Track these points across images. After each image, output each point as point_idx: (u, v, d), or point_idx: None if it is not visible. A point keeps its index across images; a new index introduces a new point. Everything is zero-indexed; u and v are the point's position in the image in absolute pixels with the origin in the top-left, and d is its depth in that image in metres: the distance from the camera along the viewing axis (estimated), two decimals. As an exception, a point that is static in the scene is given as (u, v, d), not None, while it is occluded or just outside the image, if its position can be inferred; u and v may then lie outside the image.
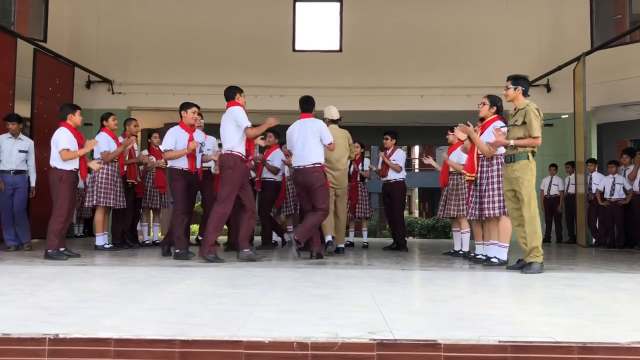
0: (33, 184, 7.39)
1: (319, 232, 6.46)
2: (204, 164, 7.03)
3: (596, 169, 10.54)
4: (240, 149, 5.98)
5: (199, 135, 6.71)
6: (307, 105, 6.60)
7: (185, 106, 6.40)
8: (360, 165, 8.99)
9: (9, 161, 7.16)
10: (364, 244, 9.19)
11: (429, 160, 7.65)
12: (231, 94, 6.13)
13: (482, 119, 6.01)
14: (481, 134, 5.83)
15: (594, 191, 10.28)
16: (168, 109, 11.47)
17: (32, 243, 7.42)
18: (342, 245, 7.27)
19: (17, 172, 7.20)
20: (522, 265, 5.24)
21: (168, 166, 6.44)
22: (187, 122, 6.35)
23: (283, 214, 8.91)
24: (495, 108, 5.91)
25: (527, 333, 2.44)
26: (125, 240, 7.84)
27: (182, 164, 6.22)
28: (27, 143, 7.37)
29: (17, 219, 7.16)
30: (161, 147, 6.93)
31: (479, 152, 5.80)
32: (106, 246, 7.32)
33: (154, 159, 8.18)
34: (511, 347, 2.24)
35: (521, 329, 2.57)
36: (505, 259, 5.64)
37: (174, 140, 6.24)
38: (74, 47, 11.55)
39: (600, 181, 10.29)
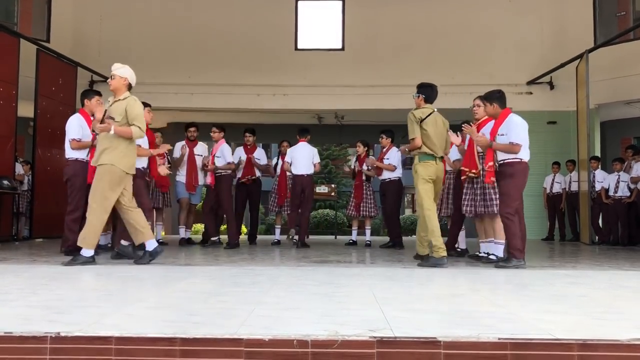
0: None
1: None
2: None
3: (599, 166, 10.51)
4: None
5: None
6: None
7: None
8: (365, 164, 9.05)
9: None
10: (367, 243, 9.18)
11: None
12: None
13: (477, 120, 6.15)
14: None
15: (597, 189, 10.25)
16: (171, 108, 11.50)
17: (38, 242, 7.40)
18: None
19: None
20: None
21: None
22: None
23: (285, 212, 9.23)
24: None
25: (527, 330, 2.44)
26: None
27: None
28: None
29: None
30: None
31: (478, 151, 5.87)
32: (109, 245, 7.31)
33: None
34: (511, 344, 2.24)
35: (521, 326, 2.57)
36: (502, 255, 5.68)
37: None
38: (76, 47, 11.59)
39: (603, 179, 10.26)
